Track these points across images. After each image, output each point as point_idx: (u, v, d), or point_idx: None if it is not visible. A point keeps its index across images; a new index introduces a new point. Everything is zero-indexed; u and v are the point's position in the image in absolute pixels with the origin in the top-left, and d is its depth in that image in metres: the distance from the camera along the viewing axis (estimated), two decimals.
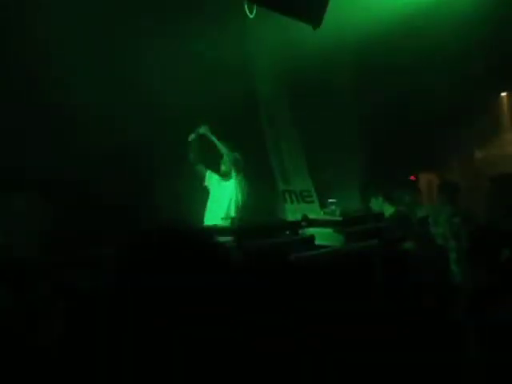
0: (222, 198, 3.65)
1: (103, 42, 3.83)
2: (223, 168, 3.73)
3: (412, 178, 5.98)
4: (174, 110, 4.09)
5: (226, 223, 2.80)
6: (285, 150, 5.31)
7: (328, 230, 2.65)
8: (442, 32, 4.81)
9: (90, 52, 3.62)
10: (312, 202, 5.10)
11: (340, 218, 2.68)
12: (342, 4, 3.87)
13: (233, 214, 3.46)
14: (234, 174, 3.66)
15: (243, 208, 3.63)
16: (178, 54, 4.08)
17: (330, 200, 3.21)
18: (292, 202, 5.10)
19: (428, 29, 4.79)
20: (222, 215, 3.36)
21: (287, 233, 2.58)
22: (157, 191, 4.10)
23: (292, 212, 4.78)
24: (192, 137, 3.69)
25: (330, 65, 4.91)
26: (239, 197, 3.68)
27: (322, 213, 3.14)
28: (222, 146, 3.62)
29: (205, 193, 3.91)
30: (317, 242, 2.59)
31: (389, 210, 3.66)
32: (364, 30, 4.54)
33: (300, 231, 2.61)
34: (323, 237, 2.63)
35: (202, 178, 3.84)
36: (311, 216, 2.83)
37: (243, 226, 2.51)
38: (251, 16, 2.77)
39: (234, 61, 4.44)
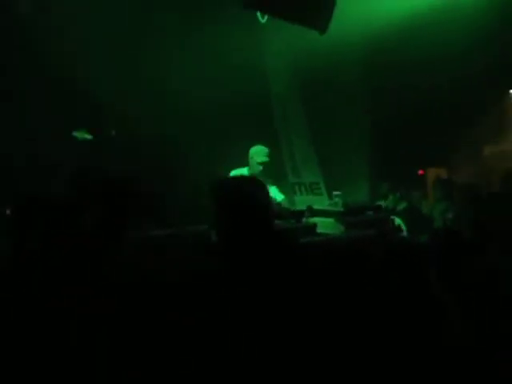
0: None
1: (128, 45, 4.06)
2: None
3: (420, 172, 6.13)
4: (194, 105, 4.30)
5: None
6: (296, 144, 5.51)
7: (330, 220, 2.87)
8: (452, 29, 4.90)
9: (117, 53, 3.86)
10: (321, 194, 5.30)
11: (341, 209, 2.90)
12: (352, 3, 4.03)
13: None
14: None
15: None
16: (197, 55, 4.30)
17: (335, 192, 3.42)
18: (301, 193, 5.31)
19: (437, 25, 4.90)
20: None
21: (292, 221, 2.81)
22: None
23: (301, 203, 4.99)
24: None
25: (341, 62, 5.07)
26: None
27: (327, 204, 3.35)
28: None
29: None
30: (320, 231, 2.81)
31: (402, 205, 3.87)
32: (374, 29, 4.68)
33: (304, 220, 2.84)
34: (326, 226, 2.86)
35: None
36: (316, 207, 3.05)
37: None
38: (263, 21, 2.99)
39: (249, 59, 4.64)
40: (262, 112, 5.15)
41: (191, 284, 1.29)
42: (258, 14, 2.98)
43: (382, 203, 4.04)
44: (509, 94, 6.15)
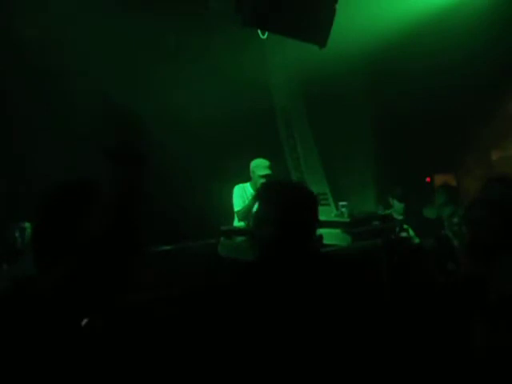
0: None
1: (129, 59, 4.15)
2: None
3: (427, 180, 6.11)
4: (196, 120, 4.37)
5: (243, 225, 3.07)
6: (302, 155, 5.55)
7: (337, 231, 2.88)
8: (453, 35, 4.92)
9: (118, 71, 3.94)
10: (328, 204, 5.31)
11: (348, 219, 2.91)
12: (353, 14, 4.09)
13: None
14: None
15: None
16: (199, 69, 4.38)
17: (341, 203, 3.43)
18: None
19: (438, 33, 4.93)
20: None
21: None
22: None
23: None
24: None
25: (344, 72, 5.12)
26: None
27: (333, 215, 3.36)
28: None
29: None
30: (327, 242, 2.82)
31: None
32: (375, 38, 4.73)
33: None
34: (332, 237, 2.87)
35: None
36: (322, 218, 3.06)
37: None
38: (264, 37, 3.05)
39: (252, 72, 4.71)
40: (264, 126, 5.20)
41: (199, 297, 1.32)
42: (259, 30, 3.05)
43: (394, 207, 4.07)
44: None
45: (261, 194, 1.39)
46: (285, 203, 1.34)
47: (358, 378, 1.20)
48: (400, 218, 3.90)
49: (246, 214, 3.47)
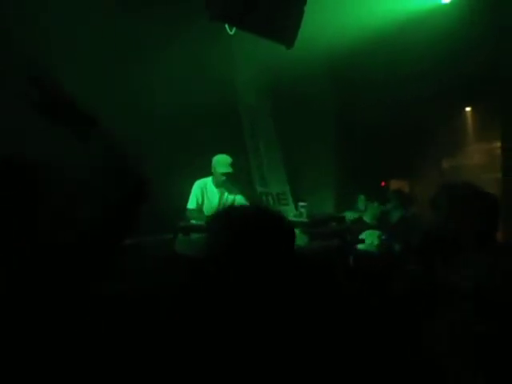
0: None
1: (99, 55, 4.00)
2: None
3: (382, 184, 6.33)
4: (161, 115, 4.28)
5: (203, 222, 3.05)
6: (264, 154, 5.58)
7: (295, 231, 2.91)
8: (412, 50, 5.12)
9: (94, 65, 3.80)
10: (287, 204, 5.37)
11: (306, 220, 2.95)
12: (323, 20, 4.14)
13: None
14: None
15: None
16: (166, 64, 4.29)
17: (301, 203, 3.47)
18: (268, 203, 5.36)
19: (398, 46, 5.10)
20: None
21: None
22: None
23: None
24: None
25: (308, 76, 5.18)
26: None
27: (292, 215, 3.40)
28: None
29: None
30: None
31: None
32: (337, 45, 4.83)
33: None
34: None
35: None
36: None
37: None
38: (231, 33, 3.02)
39: (218, 69, 4.67)
40: (230, 122, 5.17)
41: (154, 297, 1.27)
42: (227, 25, 3.02)
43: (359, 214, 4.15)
44: (465, 111, 6.49)
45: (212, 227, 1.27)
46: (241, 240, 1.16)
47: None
48: (373, 222, 3.91)
49: (195, 215, 3.44)
